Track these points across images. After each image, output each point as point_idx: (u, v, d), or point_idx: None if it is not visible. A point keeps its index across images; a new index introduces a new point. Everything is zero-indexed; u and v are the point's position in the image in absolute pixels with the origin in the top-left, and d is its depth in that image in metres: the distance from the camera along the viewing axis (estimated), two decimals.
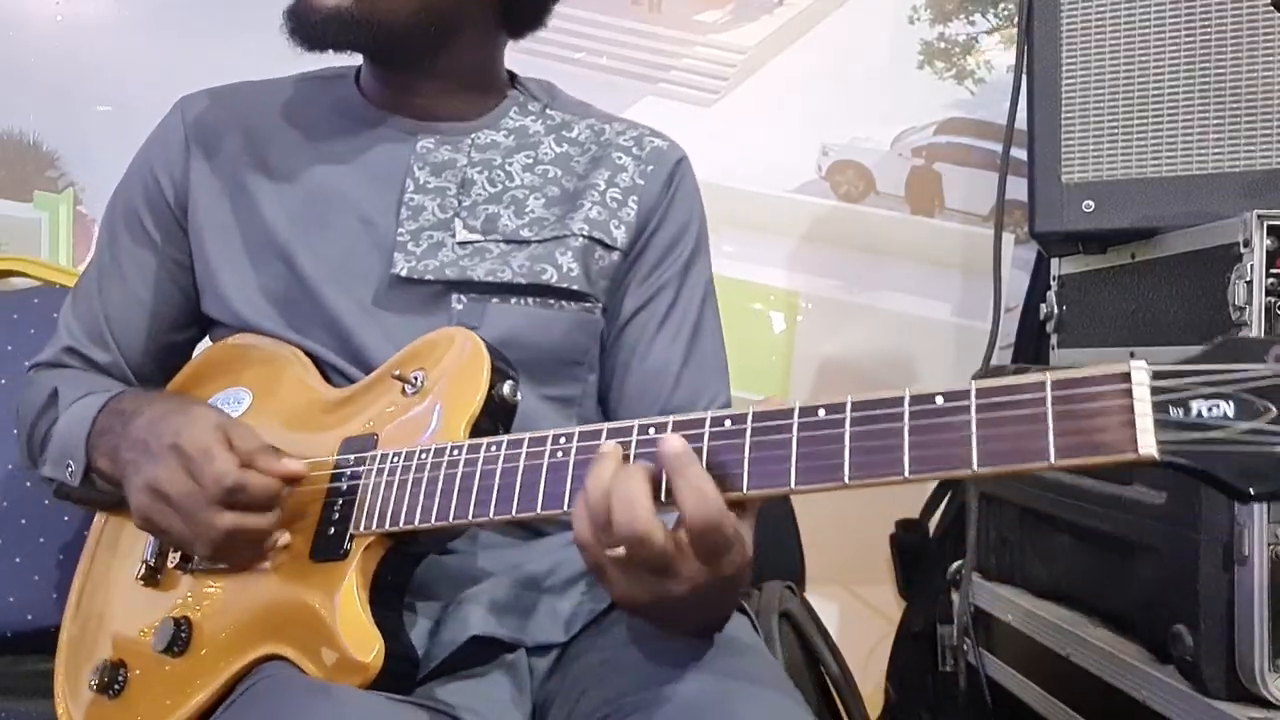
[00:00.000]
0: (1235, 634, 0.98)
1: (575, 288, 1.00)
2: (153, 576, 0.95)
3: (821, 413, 0.69)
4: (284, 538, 0.86)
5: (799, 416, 0.69)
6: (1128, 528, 1.16)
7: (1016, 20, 1.45)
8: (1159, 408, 0.59)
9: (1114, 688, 1.14)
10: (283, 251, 1.00)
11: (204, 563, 0.91)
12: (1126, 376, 0.60)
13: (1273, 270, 1.04)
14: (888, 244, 1.88)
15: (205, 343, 1.10)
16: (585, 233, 1.01)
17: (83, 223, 1.74)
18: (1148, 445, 0.59)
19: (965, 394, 0.64)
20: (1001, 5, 1.89)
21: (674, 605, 0.74)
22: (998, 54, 1.89)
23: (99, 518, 1.07)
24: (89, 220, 1.74)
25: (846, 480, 0.67)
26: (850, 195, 1.87)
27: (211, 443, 0.84)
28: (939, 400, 0.65)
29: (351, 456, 0.88)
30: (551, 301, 1.00)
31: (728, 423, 0.72)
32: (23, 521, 1.35)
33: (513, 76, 1.11)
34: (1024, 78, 1.36)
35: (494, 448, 0.80)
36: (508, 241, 1.00)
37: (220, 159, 1.04)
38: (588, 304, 1.02)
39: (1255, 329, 1.04)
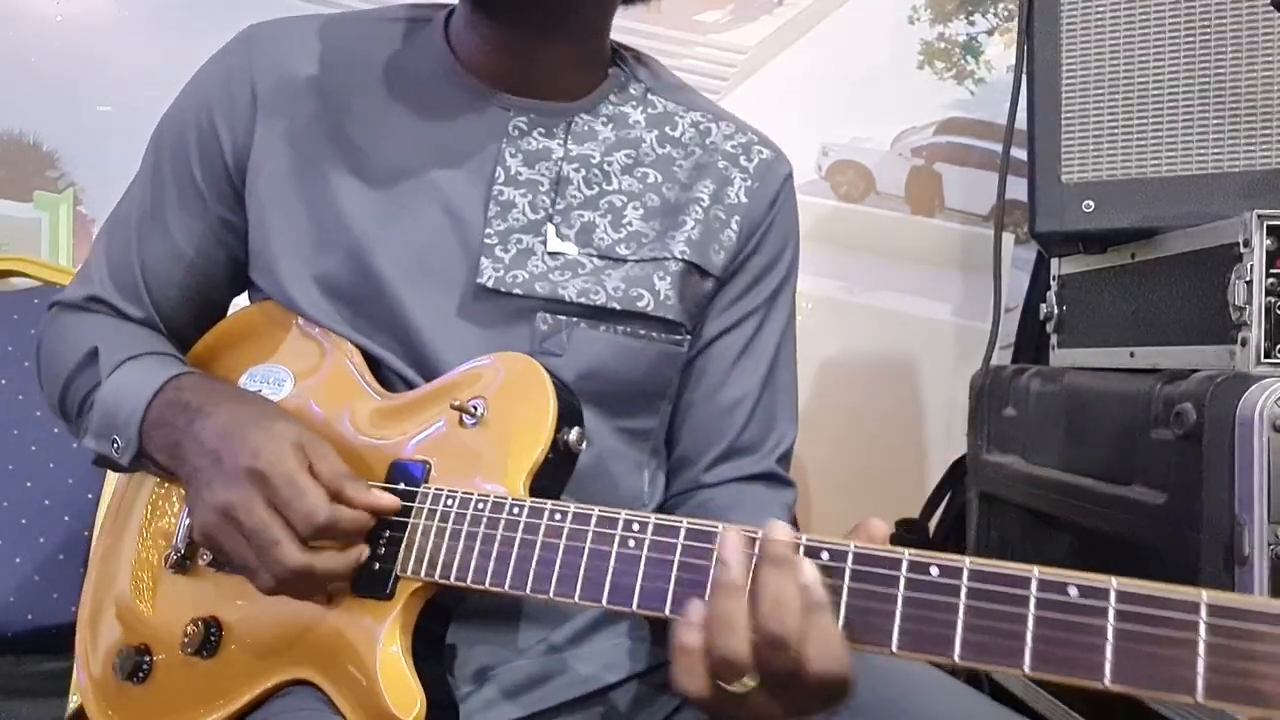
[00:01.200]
0: None
1: (670, 317, 0.93)
2: (182, 565, 0.91)
3: (934, 571, 0.62)
4: (365, 551, 0.80)
5: (907, 570, 0.63)
6: (1128, 528, 1.15)
7: (1016, 20, 1.45)
8: None
9: None
10: (356, 244, 0.90)
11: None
12: None
13: (1273, 270, 1.04)
14: (888, 244, 1.88)
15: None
16: (685, 256, 0.93)
17: (83, 222, 1.74)
18: None
19: (1104, 593, 0.58)
20: (1001, 5, 1.89)
21: None
22: (998, 54, 1.89)
23: (119, 485, 1.02)
24: (89, 220, 1.74)
25: (957, 659, 0.60)
26: (850, 195, 1.87)
27: (295, 470, 0.77)
28: (1072, 592, 0.59)
29: (401, 485, 0.82)
30: (641, 331, 0.92)
31: (825, 555, 0.65)
32: (23, 521, 1.35)
33: (613, 50, 1.01)
34: (1024, 78, 1.36)
35: (558, 516, 0.74)
36: (602, 257, 0.92)
37: (290, 122, 0.93)
38: (678, 335, 0.95)
39: (1255, 329, 1.04)
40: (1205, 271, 1.13)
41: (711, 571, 0.67)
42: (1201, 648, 0.55)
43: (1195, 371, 1.07)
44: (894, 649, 0.62)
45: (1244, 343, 1.05)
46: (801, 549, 0.65)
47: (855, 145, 1.88)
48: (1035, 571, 0.60)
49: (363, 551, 0.79)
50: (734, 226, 0.97)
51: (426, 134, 0.93)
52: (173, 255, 0.98)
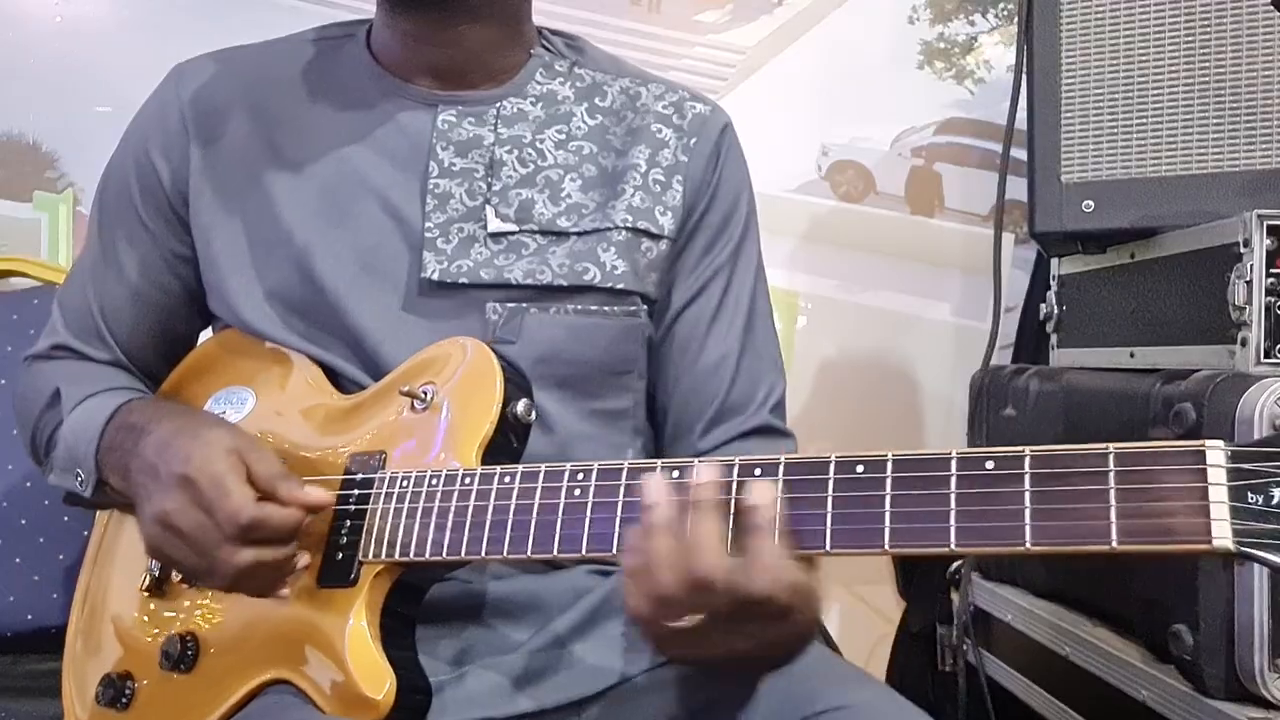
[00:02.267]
0: (1235, 634, 0.98)
1: (621, 286, 0.93)
2: (158, 587, 0.93)
3: (860, 469, 0.64)
4: (303, 559, 0.82)
5: (835, 472, 0.65)
6: None
7: (1016, 20, 1.45)
8: (1236, 493, 0.54)
9: (1114, 688, 1.14)
10: (298, 253, 0.92)
11: None
12: (1200, 456, 0.56)
13: (1273, 270, 1.04)
14: (888, 244, 1.87)
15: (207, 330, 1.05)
16: (629, 224, 0.93)
17: (82, 223, 1.74)
18: (1222, 536, 0.55)
19: (1019, 460, 0.60)
20: (1001, 5, 1.89)
21: (737, 662, 0.70)
22: (998, 54, 1.89)
23: (101, 516, 1.05)
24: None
25: (886, 546, 0.63)
26: (850, 195, 1.87)
27: (224, 472, 0.79)
28: (989, 465, 0.61)
29: (359, 475, 0.84)
30: (594, 307, 0.93)
31: (757, 470, 0.68)
32: (23, 521, 1.35)
33: (538, 32, 1.02)
34: (1024, 78, 1.36)
35: (508, 479, 0.76)
36: (544, 233, 0.92)
37: (223, 145, 0.96)
38: (633, 307, 0.95)
39: (1255, 329, 1.04)
40: (1205, 271, 1.13)
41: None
42: (1112, 496, 0.57)
43: (1195, 371, 1.07)
44: (827, 548, 0.65)
45: (1244, 342, 1.05)
46: (735, 468, 0.68)
47: (855, 145, 1.88)
48: (954, 452, 0.62)
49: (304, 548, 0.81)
50: (676, 186, 0.97)
51: (358, 138, 0.95)
52: (129, 293, 1.00)
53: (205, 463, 0.79)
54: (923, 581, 1.69)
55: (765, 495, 0.66)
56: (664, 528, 0.67)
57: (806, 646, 0.73)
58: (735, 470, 0.69)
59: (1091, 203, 1.29)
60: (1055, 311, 1.43)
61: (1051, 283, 1.45)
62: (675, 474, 0.70)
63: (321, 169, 0.94)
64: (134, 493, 0.86)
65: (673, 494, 0.68)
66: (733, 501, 0.67)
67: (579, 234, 0.93)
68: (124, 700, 0.91)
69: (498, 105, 0.96)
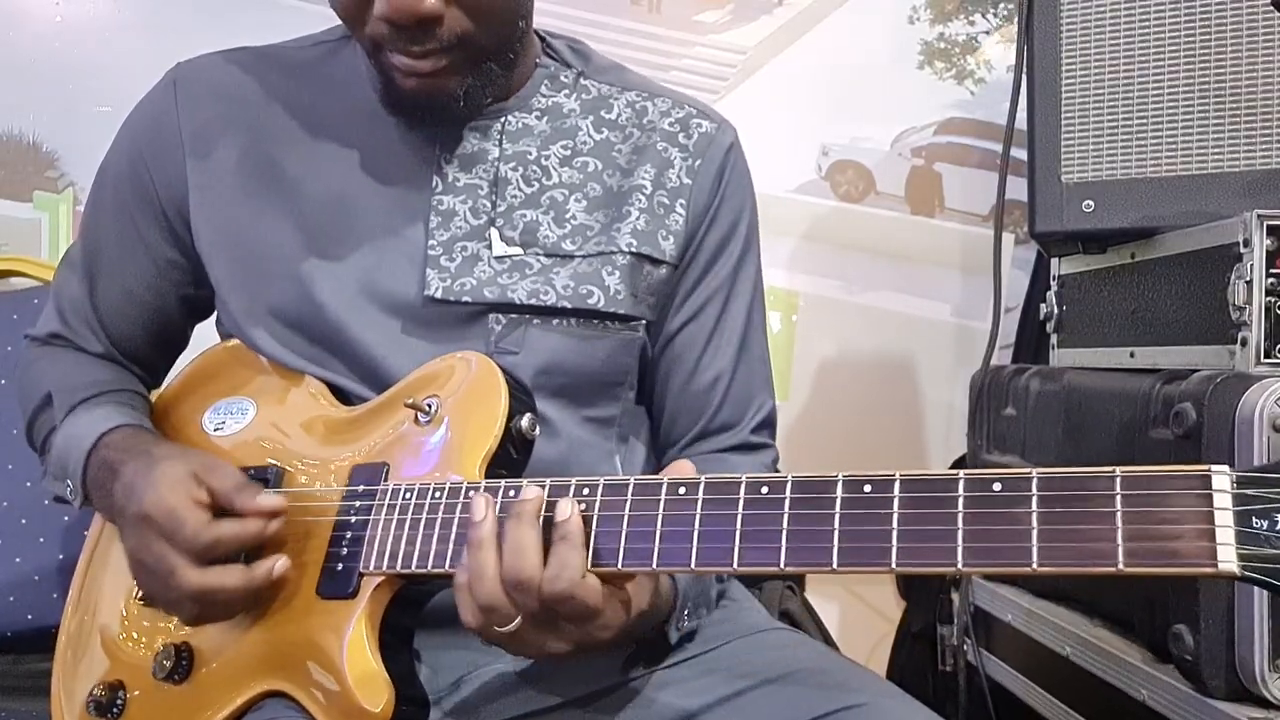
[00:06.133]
0: (1236, 634, 0.98)
1: (622, 311, 0.93)
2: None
3: (867, 488, 0.64)
4: (280, 563, 0.82)
5: (842, 490, 0.65)
6: None
7: (1016, 20, 1.45)
8: (1241, 517, 0.55)
9: (1114, 688, 1.14)
10: (298, 275, 0.92)
11: None
12: (1206, 481, 0.56)
13: (1273, 270, 1.04)
14: (888, 244, 1.88)
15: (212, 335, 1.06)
16: (633, 249, 0.93)
17: None
18: (1227, 560, 0.55)
19: (1026, 483, 0.60)
20: (1001, 5, 1.89)
21: (560, 657, 0.74)
22: (998, 54, 1.89)
23: (97, 521, 1.05)
24: None
25: (893, 565, 0.62)
26: (850, 195, 1.87)
27: (175, 504, 0.81)
28: (996, 487, 0.61)
29: (361, 487, 0.84)
30: (595, 322, 0.93)
31: (764, 489, 0.67)
32: (23, 521, 1.35)
33: (540, 39, 1.01)
34: (1024, 78, 1.36)
35: (512, 493, 0.76)
36: (549, 255, 0.92)
37: (222, 159, 0.95)
38: (633, 323, 0.96)
39: (1255, 329, 1.04)
40: (1205, 271, 1.13)
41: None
42: (1119, 519, 0.57)
43: (1195, 371, 1.06)
44: (835, 566, 0.64)
45: (1244, 343, 1.05)
46: (547, 490, 0.72)
47: (855, 145, 1.88)
48: (961, 473, 0.62)
49: (275, 562, 0.82)
50: (679, 210, 0.96)
51: (361, 154, 0.94)
52: (123, 294, 1.01)
53: (158, 500, 0.81)
54: (923, 582, 1.69)
55: (567, 510, 0.70)
56: (489, 540, 0.71)
57: (622, 642, 0.77)
58: (743, 487, 0.69)
59: (1091, 203, 1.29)
60: (1055, 311, 1.43)
61: (1051, 283, 1.45)
62: (512, 493, 0.74)
63: (322, 187, 0.94)
64: (119, 531, 0.89)
65: (497, 511, 0.73)
66: (740, 517, 0.68)
67: (583, 256, 0.93)
68: (115, 710, 0.90)
69: (503, 120, 0.95)
